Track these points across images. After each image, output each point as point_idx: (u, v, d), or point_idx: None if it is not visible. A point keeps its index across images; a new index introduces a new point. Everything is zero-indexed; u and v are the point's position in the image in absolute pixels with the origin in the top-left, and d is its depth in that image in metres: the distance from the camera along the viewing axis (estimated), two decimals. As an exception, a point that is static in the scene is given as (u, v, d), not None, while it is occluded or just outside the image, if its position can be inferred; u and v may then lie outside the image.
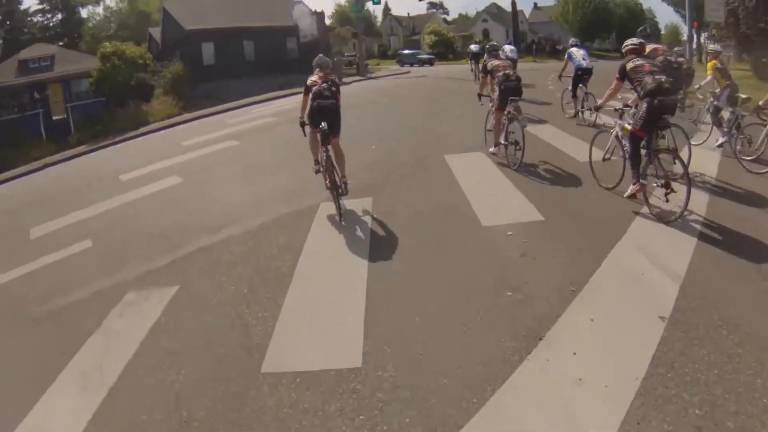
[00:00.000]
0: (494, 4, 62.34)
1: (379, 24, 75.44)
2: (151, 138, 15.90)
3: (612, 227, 4.34)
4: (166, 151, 11.17)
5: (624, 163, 5.04)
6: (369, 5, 35.60)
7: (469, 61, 19.07)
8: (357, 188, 5.68)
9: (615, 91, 5.10)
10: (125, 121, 20.02)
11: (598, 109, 5.59)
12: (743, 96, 6.84)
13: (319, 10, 28.05)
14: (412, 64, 39.23)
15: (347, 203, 5.38)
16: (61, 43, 45.24)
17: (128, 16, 50.61)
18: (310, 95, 5.14)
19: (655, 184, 4.56)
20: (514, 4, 54.34)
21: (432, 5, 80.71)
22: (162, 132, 16.61)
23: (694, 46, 26.38)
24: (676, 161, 4.74)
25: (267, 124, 12.34)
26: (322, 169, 5.25)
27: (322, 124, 4.92)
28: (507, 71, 6.49)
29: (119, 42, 25.75)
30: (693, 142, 6.31)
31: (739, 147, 6.31)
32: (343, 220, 5.05)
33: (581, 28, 50.95)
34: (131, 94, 22.57)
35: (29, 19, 49.00)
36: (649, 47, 5.67)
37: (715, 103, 6.92)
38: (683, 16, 37.46)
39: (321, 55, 5.86)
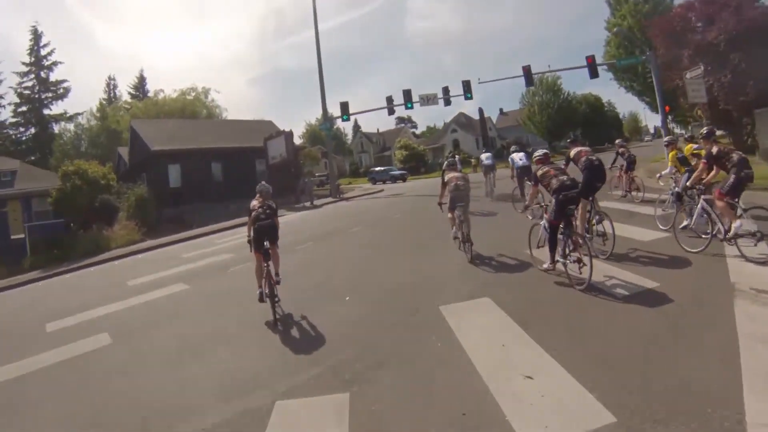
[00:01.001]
0: (462, 114, 65.48)
1: (349, 142, 78.89)
2: (101, 270, 14.65)
3: None
4: (108, 292, 9.94)
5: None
6: (338, 122, 37.01)
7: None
8: (326, 374, 4.26)
9: (534, 193, 6.56)
10: (84, 246, 18.81)
11: (526, 208, 7.17)
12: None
13: (288, 129, 28.10)
14: (384, 181, 39.70)
15: (314, 400, 3.90)
16: (32, 158, 45.18)
17: (99, 133, 51.45)
18: (251, 219, 6.32)
19: (570, 261, 5.68)
20: (481, 112, 58.16)
21: (401, 120, 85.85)
22: (117, 262, 15.74)
23: (682, 130, 27.56)
24: (605, 242, 6.61)
25: (223, 263, 10.95)
26: (266, 299, 6.06)
27: (265, 243, 6.19)
28: (458, 182, 7.56)
29: (85, 161, 24.92)
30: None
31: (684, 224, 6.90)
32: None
33: (547, 128, 54.10)
34: (94, 215, 21.40)
35: (3, 131, 49.29)
36: (575, 150, 7.40)
37: (676, 189, 7.50)
38: (648, 103, 39.16)
39: (262, 182, 7.05)
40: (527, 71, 23.56)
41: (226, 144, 29.65)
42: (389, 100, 26.45)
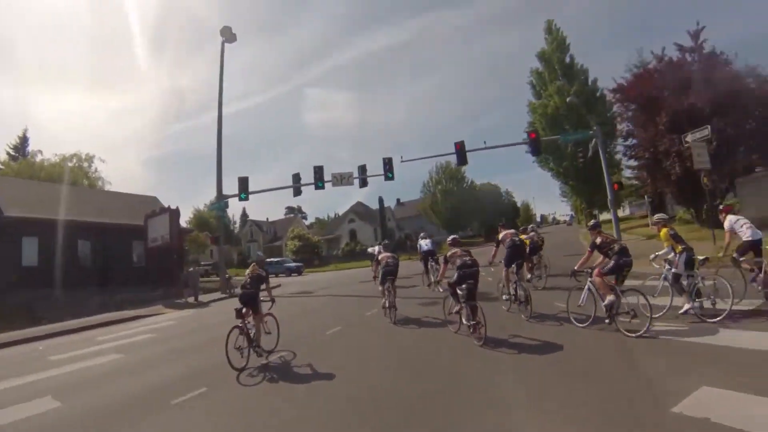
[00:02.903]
0: (360, 203, 65.04)
1: (237, 230, 75.16)
2: None
3: None
4: None
5: (461, 313, 7.54)
6: (231, 205, 34.55)
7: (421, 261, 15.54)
8: None
9: (444, 270, 8.06)
10: None
11: (437, 283, 9.81)
12: (701, 258, 7.27)
13: (174, 207, 23.37)
14: (277, 274, 36.97)
15: None
16: None
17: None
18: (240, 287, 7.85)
19: (466, 323, 7.34)
20: (381, 201, 57.35)
21: (290, 210, 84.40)
22: None
23: (648, 210, 27.76)
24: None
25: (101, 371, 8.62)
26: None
27: (243, 308, 7.48)
28: (389, 260, 9.93)
29: None
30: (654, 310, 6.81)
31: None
32: None
33: (450, 217, 55.36)
34: None
35: None
36: (503, 233, 9.70)
37: (673, 270, 7.21)
38: (572, 186, 40.27)
39: (259, 252, 9.00)
40: (460, 147, 21.70)
41: (100, 219, 24.82)
42: (296, 177, 23.85)
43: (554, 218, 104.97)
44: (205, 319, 14.74)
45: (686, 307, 7.08)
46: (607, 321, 6.84)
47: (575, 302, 7.41)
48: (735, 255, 7.51)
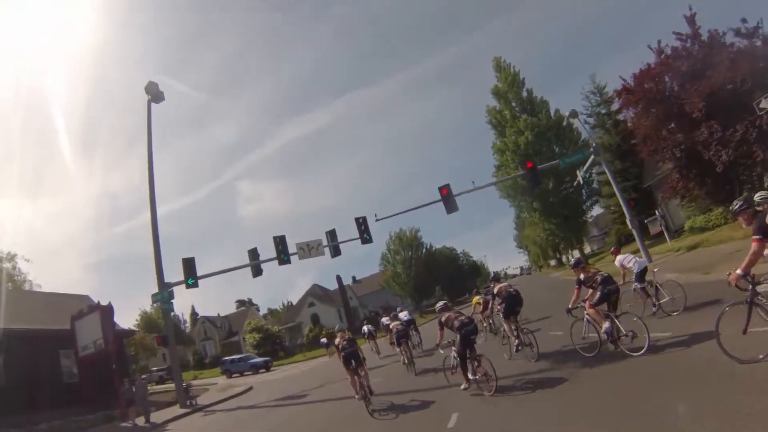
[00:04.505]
0: (317, 286, 61.70)
1: (189, 329, 68.25)
2: None
3: None
4: None
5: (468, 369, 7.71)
6: (179, 303, 29.85)
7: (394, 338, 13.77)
8: None
9: (442, 335, 8.32)
10: None
11: (437, 346, 9.01)
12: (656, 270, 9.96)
13: (105, 303, 18.82)
14: (242, 373, 32.84)
15: None
16: None
17: None
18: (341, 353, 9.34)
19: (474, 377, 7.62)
20: (339, 280, 53.19)
21: (241, 303, 78.74)
22: None
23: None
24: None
25: None
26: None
27: (352, 362, 9.08)
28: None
29: None
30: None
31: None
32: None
33: (413, 286, 52.66)
34: None
35: None
36: (497, 287, 9.88)
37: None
38: (556, 224, 36.14)
39: (341, 324, 11.99)
40: (446, 193, 19.26)
41: (15, 324, 18.64)
42: (253, 253, 19.87)
43: (505, 273, 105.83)
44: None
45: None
46: (612, 346, 7.17)
47: (578, 335, 7.84)
48: (635, 285, 9.16)
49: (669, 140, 19.16)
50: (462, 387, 7.84)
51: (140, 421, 15.47)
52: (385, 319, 18.78)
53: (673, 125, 19.30)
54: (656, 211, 26.80)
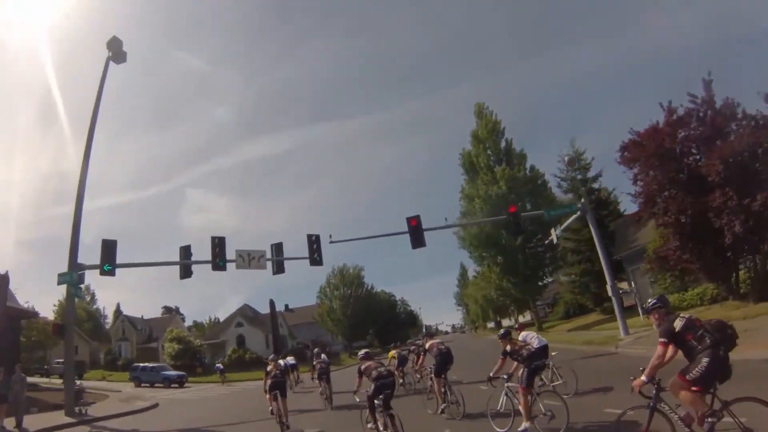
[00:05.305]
0: (247, 306, 59.13)
1: (108, 326, 63.33)
2: None
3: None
4: None
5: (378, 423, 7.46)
6: (104, 292, 27.03)
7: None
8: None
9: (360, 383, 8.18)
10: None
11: (355, 393, 8.53)
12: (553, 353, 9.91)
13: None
14: (153, 384, 29.82)
15: None
16: None
17: None
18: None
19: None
20: (272, 305, 50.94)
21: (168, 309, 74.26)
22: None
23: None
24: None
25: None
26: None
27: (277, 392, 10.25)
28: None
29: None
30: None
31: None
32: None
33: (348, 325, 50.74)
34: None
35: None
36: (429, 342, 10.67)
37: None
38: (514, 283, 34.30)
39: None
40: (415, 225, 18.31)
41: None
42: (185, 251, 17.54)
43: (437, 328, 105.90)
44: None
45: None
46: (525, 424, 6.83)
47: (495, 405, 7.61)
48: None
49: (675, 203, 17.73)
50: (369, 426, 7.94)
51: (9, 423, 12.89)
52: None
53: (676, 191, 18.04)
54: (631, 284, 26.31)
